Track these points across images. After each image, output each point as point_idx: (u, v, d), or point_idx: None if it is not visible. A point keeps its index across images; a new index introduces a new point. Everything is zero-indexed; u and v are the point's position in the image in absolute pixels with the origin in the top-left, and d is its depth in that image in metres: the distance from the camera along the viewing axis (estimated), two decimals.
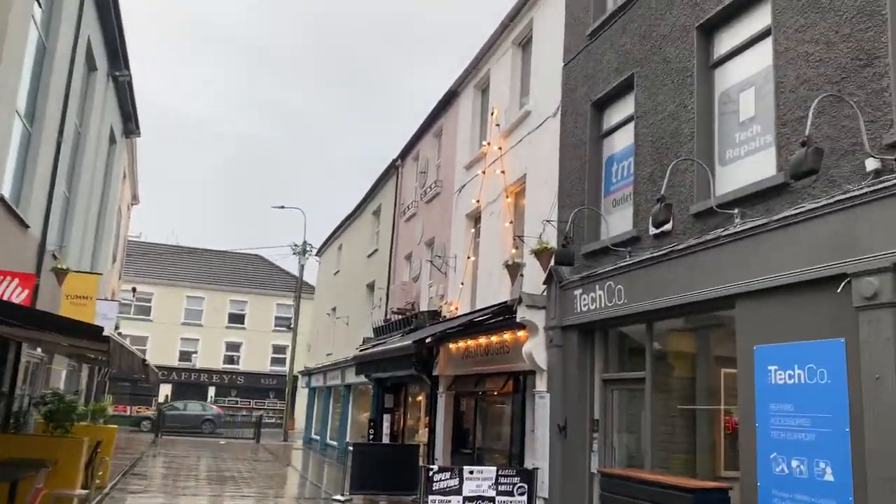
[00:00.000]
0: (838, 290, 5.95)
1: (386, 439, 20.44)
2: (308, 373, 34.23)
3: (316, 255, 37.55)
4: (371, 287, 24.89)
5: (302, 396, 39.59)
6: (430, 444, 15.83)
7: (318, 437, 31.11)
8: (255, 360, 47.64)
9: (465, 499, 10.02)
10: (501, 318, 12.12)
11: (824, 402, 6.06)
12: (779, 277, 6.62)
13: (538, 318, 10.95)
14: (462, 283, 15.26)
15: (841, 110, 6.26)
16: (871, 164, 5.85)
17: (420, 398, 19.81)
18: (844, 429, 5.84)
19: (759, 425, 6.72)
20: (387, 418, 20.75)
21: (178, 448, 26.96)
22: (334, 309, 30.60)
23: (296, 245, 38.74)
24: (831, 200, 6.14)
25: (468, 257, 15.33)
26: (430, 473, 9.99)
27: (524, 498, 10.27)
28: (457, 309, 15.39)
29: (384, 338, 19.18)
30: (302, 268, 38.35)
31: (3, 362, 12.72)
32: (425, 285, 18.56)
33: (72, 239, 17.12)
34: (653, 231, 8.67)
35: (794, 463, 6.29)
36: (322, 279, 35.72)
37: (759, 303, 6.91)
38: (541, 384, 10.90)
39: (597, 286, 9.71)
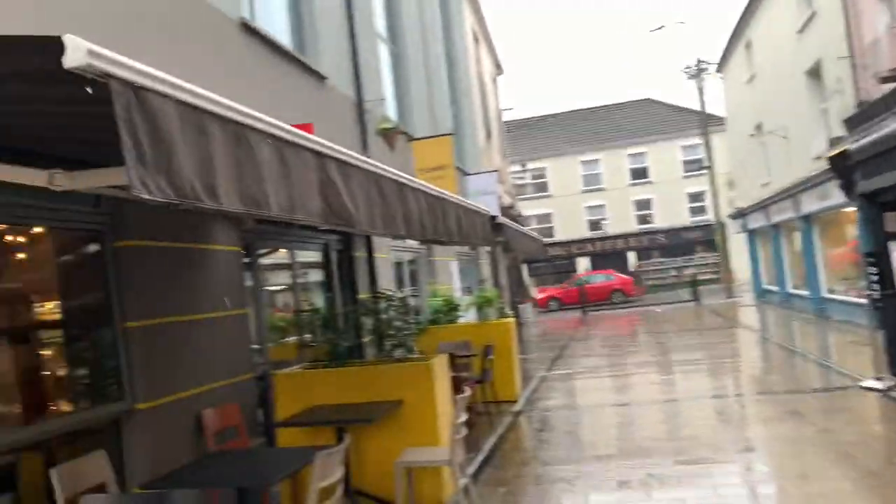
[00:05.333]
0: None
1: None
2: (741, 214, 27.69)
3: (717, 70, 30.06)
4: (814, 72, 17.35)
5: (737, 243, 33.18)
6: None
7: (774, 288, 24.75)
8: (670, 213, 42.18)
9: None
10: None
11: None
12: None
13: None
14: None
15: None
16: None
17: None
18: None
19: None
20: None
21: (606, 325, 23.30)
22: (759, 127, 23.43)
23: (688, 67, 31.66)
24: None
25: None
26: None
27: None
28: None
29: (873, 125, 12.08)
30: (701, 91, 31.23)
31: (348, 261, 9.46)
32: None
33: (412, 103, 13.51)
34: None
35: None
36: (732, 98, 28.31)
37: None
38: None
39: None
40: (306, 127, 6.62)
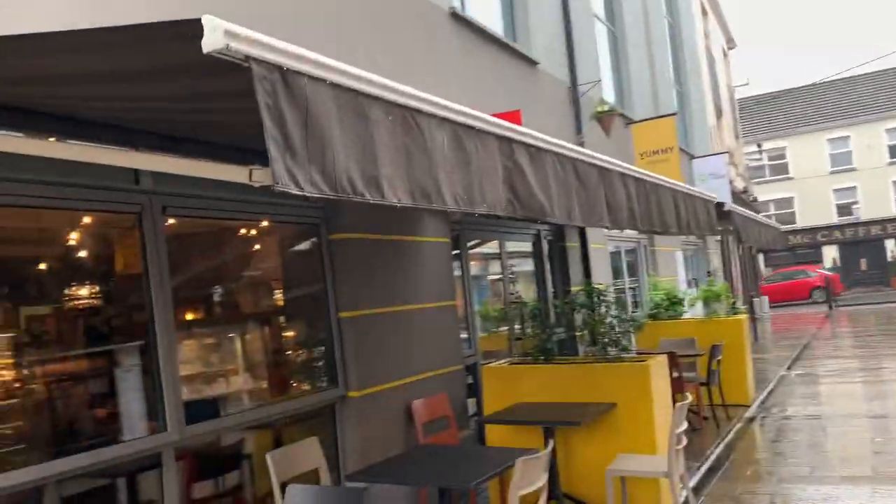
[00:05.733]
0: None
1: None
2: None
3: None
4: None
5: None
6: None
7: None
8: None
9: None
10: None
11: None
12: None
13: None
14: None
15: None
16: None
17: None
18: None
19: None
20: None
21: (855, 321, 20.65)
22: None
23: None
24: None
25: None
26: None
27: None
28: None
29: None
30: None
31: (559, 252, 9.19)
32: None
33: (632, 84, 12.83)
34: None
35: None
36: None
37: None
38: None
39: None
40: (514, 114, 6.42)
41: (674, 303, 9.79)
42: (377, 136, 1.92)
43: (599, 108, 9.48)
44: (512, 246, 8.57)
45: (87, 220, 4.06)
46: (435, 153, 2.13)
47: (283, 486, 4.21)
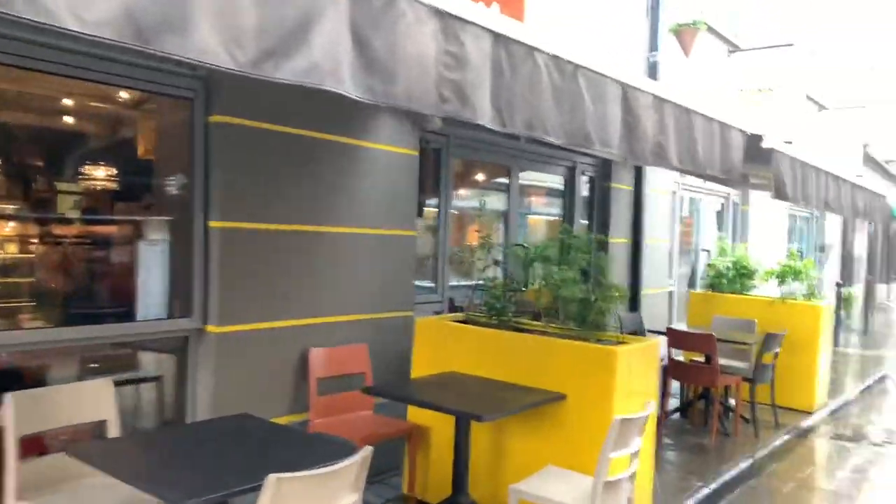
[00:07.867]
0: None
1: None
2: None
3: None
4: None
5: None
6: None
7: None
8: None
9: None
10: None
11: None
12: None
13: None
14: None
15: None
16: None
17: None
18: None
19: None
20: None
21: None
22: None
23: None
24: None
25: None
26: None
27: None
28: None
29: None
30: None
31: None
32: None
33: None
34: None
35: None
36: None
37: None
38: None
39: None
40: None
41: (742, 274, 7.90)
42: None
43: (679, 23, 7.52)
44: (533, 178, 7.01)
45: None
46: None
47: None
